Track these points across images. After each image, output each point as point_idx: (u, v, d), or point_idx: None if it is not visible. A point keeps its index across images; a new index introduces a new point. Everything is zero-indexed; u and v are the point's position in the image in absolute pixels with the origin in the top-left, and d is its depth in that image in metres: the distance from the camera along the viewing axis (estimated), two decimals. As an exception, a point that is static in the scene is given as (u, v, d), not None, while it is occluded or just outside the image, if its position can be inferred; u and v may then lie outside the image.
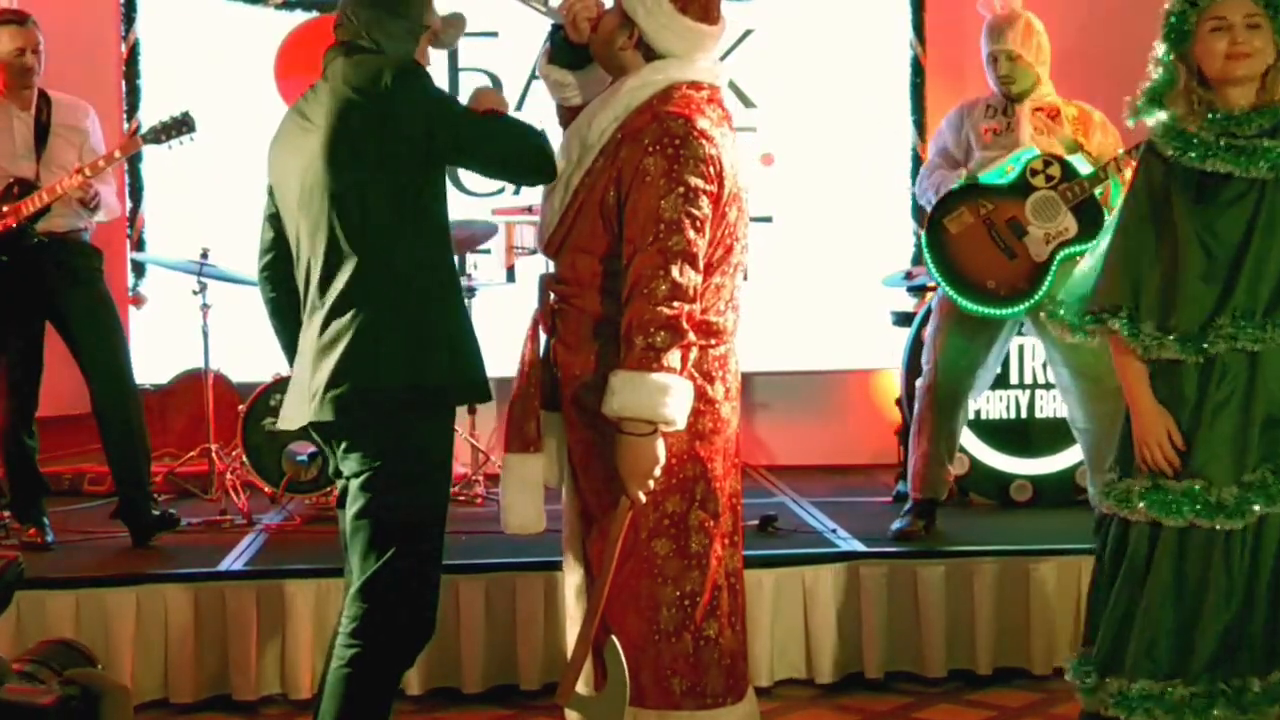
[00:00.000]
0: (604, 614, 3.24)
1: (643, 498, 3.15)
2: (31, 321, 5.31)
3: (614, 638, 3.23)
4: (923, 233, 5.12)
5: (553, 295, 3.36)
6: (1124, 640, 3.40)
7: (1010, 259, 4.98)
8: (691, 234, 3.11)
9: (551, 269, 3.45)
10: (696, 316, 3.15)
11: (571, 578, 3.43)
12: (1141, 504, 3.38)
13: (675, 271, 3.09)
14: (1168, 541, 3.36)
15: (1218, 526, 3.31)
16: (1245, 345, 3.31)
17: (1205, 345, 3.33)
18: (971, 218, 5.04)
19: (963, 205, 5.05)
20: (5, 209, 5.14)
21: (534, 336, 3.41)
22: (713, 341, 3.27)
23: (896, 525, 5.16)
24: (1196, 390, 3.35)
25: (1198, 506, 3.31)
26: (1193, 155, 3.36)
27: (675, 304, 3.09)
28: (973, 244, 5.02)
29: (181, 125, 5.24)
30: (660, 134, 3.15)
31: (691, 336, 3.12)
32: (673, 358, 3.08)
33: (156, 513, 5.31)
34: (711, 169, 3.16)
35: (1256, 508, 3.30)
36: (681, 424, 3.14)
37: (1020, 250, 4.97)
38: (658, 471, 3.14)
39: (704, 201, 3.14)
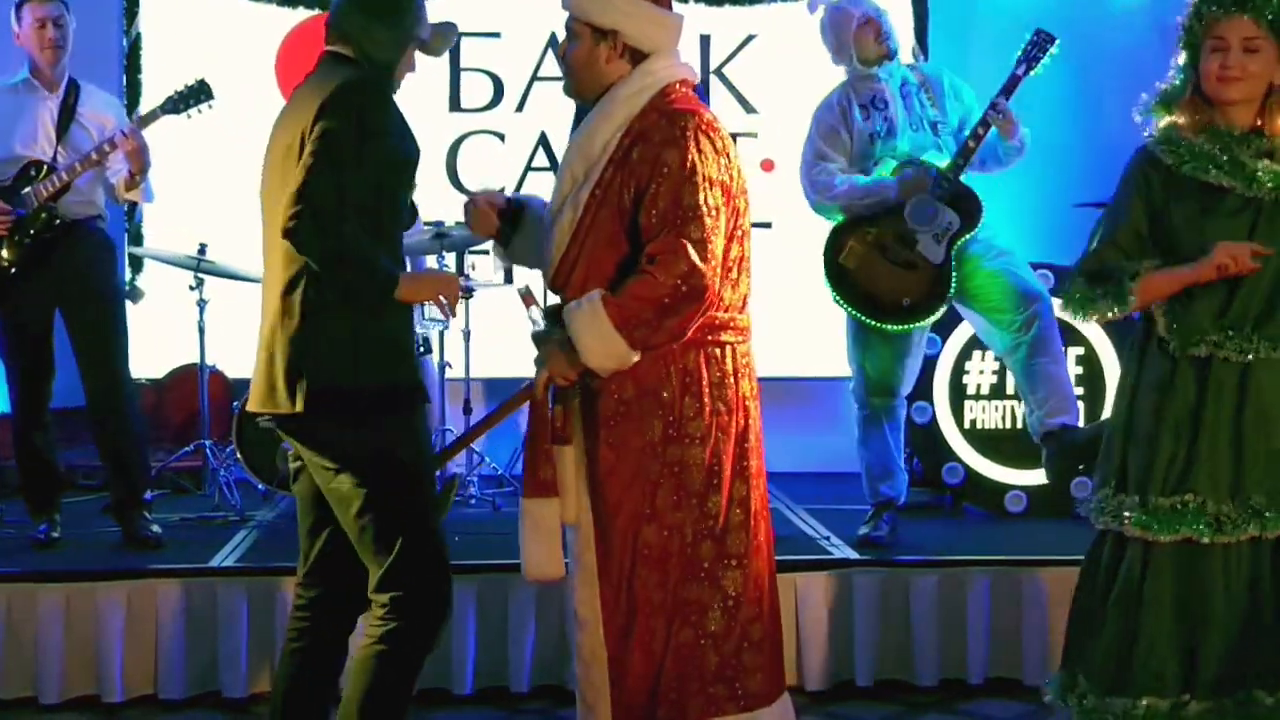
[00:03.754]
0: (642, 621, 3.29)
1: (547, 383, 3.30)
2: (45, 308, 5.18)
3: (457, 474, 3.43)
4: (826, 281, 5.14)
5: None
6: (1127, 658, 3.40)
7: (911, 270, 5.04)
8: (709, 222, 3.18)
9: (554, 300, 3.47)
10: (709, 303, 3.21)
11: (583, 622, 3.38)
12: (1130, 519, 3.40)
13: (694, 255, 3.15)
14: (1162, 558, 3.37)
15: (1207, 541, 3.33)
16: (1230, 355, 3.35)
17: (1194, 349, 3.37)
18: (861, 246, 5.09)
19: (848, 238, 5.12)
20: (26, 191, 5.06)
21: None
22: (741, 339, 3.34)
23: (863, 531, 5.18)
24: (1194, 400, 3.38)
25: (1199, 524, 3.32)
26: (1193, 165, 3.39)
27: (684, 285, 3.14)
28: (873, 270, 5.09)
29: (199, 93, 5.13)
30: (673, 128, 3.22)
31: (667, 320, 3.18)
32: (643, 334, 3.16)
33: (147, 533, 5.14)
34: (724, 160, 3.25)
35: (1250, 528, 3.32)
36: (601, 372, 3.24)
37: (918, 259, 5.04)
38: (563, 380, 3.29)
39: (718, 192, 3.22)
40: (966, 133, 5.09)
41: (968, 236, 5.04)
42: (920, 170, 5.02)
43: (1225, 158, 3.36)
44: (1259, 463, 3.35)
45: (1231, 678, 3.34)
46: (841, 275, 5.11)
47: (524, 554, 3.37)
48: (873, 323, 5.09)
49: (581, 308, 3.21)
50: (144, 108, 5.14)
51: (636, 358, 3.22)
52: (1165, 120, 3.48)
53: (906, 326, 5.09)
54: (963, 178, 5.03)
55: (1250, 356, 3.34)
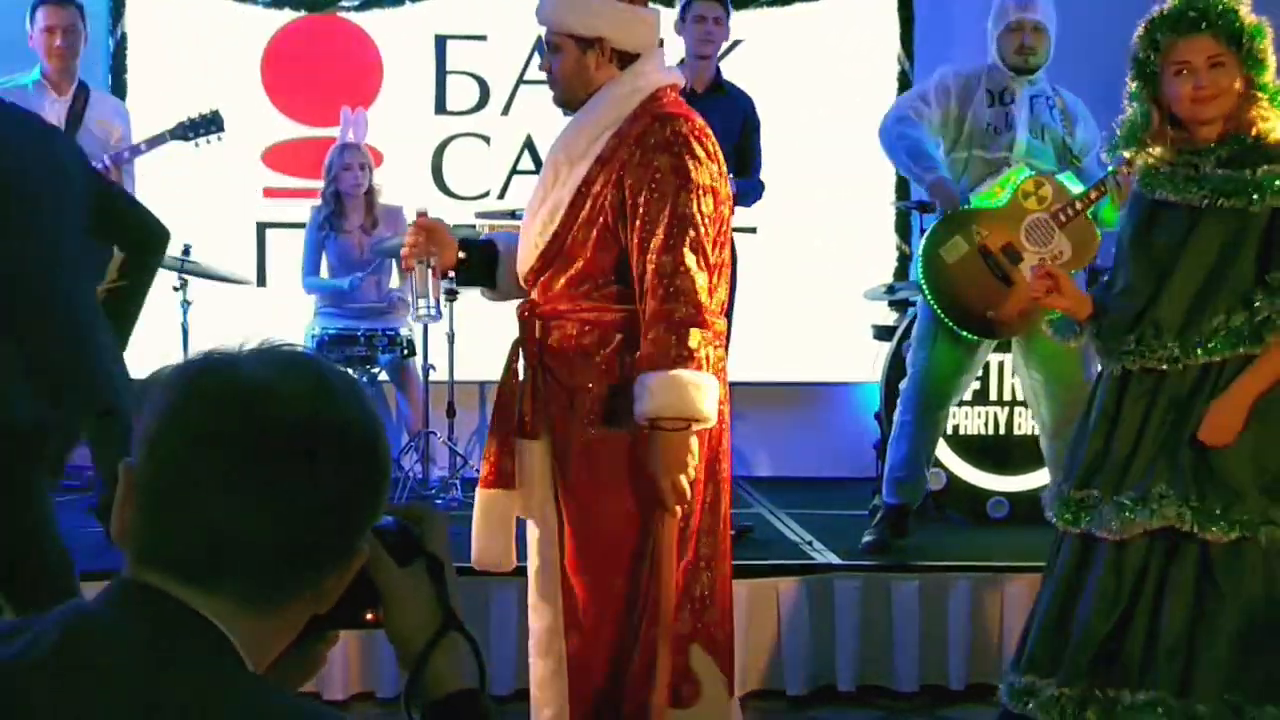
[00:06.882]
0: (610, 619, 3.28)
1: (686, 492, 3.14)
2: None
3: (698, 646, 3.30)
4: (919, 262, 5.07)
5: (538, 325, 3.33)
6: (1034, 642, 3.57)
7: (1007, 286, 4.93)
8: (704, 229, 3.17)
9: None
10: (712, 311, 3.20)
11: (541, 619, 3.40)
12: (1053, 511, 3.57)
13: (693, 265, 3.13)
14: (1093, 551, 3.50)
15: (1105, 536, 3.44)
16: (1152, 364, 3.41)
17: (1121, 359, 3.45)
18: (966, 246, 4.98)
19: (957, 233, 5.00)
20: None
21: (513, 370, 3.39)
22: (718, 343, 3.32)
23: (867, 539, 5.14)
24: (1114, 405, 3.48)
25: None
26: (1149, 184, 3.44)
27: (699, 299, 3.12)
28: (969, 273, 4.97)
29: (210, 124, 5.17)
30: (666, 133, 3.19)
31: (709, 333, 3.16)
32: (702, 354, 3.12)
33: None
34: (715, 166, 3.23)
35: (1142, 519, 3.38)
36: (714, 420, 3.17)
37: (1018, 277, 4.90)
38: (693, 470, 3.15)
39: (710, 199, 3.20)
40: (1081, 159, 5.06)
41: (1073, 271, 4.87)
42: (958, 191, 4.94)
43: (1168, 172, 3.40)
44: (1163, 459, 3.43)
45: (1103, 669, 3.40)
46: (935, 267, 5.00)
47: (475, 543, 3.41)
48: (950, 323, 4.97)
49: (648, 395, 3.09)
50: (138, 115, 5.17)
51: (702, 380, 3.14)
52: (1141, 158, 3.48)
53: (982, 337, 5.00)
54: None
55: (1167, 366, 3.41)
